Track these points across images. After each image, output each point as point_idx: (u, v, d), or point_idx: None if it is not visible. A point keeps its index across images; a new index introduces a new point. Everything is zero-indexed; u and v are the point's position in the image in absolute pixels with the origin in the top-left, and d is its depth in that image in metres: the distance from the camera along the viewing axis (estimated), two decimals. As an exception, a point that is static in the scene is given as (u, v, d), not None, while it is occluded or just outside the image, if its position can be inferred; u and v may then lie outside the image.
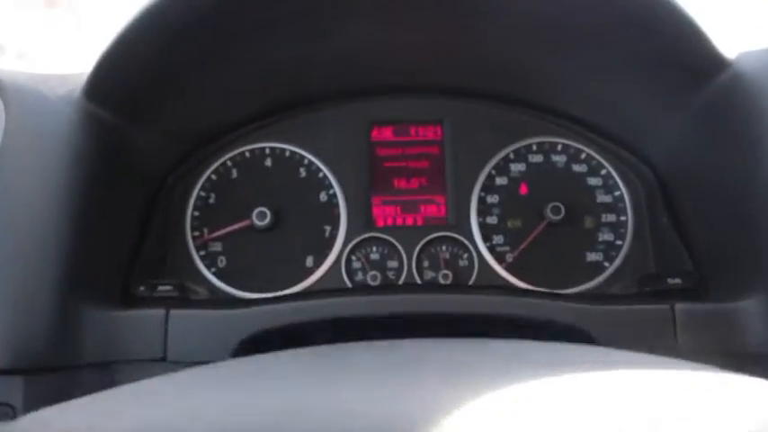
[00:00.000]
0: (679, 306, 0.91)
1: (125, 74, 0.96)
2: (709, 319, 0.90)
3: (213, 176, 1.26)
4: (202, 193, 1.25)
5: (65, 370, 0.83)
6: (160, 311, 0.93)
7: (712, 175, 0.97)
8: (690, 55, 0.91)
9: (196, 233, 1.24)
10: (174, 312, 0.93)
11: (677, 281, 1.03)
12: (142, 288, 1.05)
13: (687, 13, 0.83)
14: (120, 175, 1.05)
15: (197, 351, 0.91)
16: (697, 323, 0.90)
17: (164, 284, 1.06)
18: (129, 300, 1.03)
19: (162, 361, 0.90)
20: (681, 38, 0.88)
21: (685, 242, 1.10)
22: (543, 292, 1.10)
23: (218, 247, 1.24)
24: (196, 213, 1.25)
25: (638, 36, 0.92)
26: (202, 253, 1.23)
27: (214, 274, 1.22)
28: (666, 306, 0.92)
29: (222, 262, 1.23)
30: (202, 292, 1.18)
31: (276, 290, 1.20)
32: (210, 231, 1.24)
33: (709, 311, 0.91)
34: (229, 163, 1.25)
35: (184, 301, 1.02)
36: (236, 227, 1.23)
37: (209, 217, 1.24)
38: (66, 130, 0.93)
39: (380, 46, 1.08)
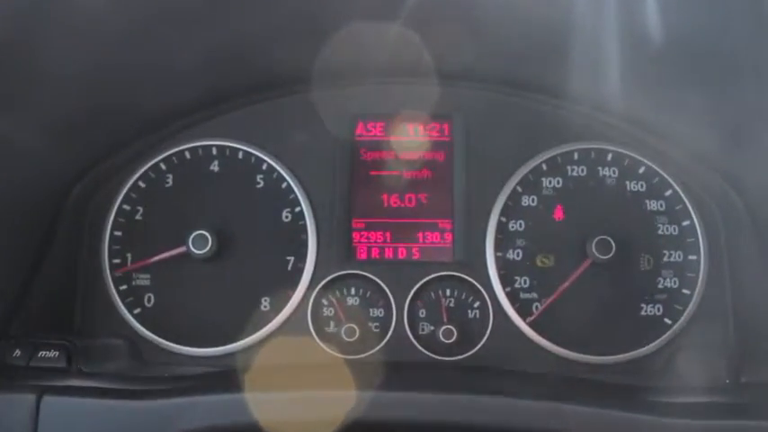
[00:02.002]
0: None
1: None
2: None
3: (141, 184, 1.03)
4: (126, 207, 1.02)
5: None
6: (29, 397, 0.72)
7: None
8: None
9: (116, 260, 1.00)
10: (48, 399, 0.72)
11: (784, 367, 0.78)
12: (17, 353, 0.82)
13: None
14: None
15: None
16: None
17: (47, 348, 0.82)
18: None
19: None
20: None
21: None
22: (592, 379, 0.87)
23: (145, 280, 1.01)
24: (117, 234, 1.01)
25: None
26: (123, 287, 1.00)
27: (137, 317, 0.99)
28: None
29: (150, 300, 1.00)
30: (118, 346, 0.95)
31: (218, 342, 0.97)
32: (136, 259, 1.00)
33: None
34: (163, 166, 1.04)
35: (72, 374, 0.80)
36: (169, 254, 0.98)
37: (134, 239, 1.01)
38: None
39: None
